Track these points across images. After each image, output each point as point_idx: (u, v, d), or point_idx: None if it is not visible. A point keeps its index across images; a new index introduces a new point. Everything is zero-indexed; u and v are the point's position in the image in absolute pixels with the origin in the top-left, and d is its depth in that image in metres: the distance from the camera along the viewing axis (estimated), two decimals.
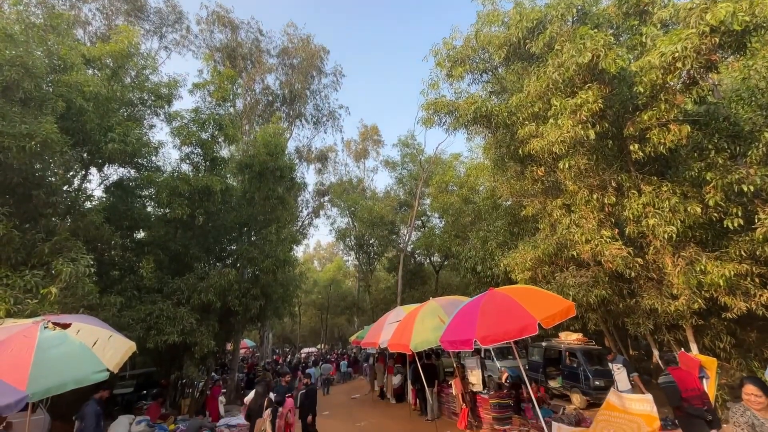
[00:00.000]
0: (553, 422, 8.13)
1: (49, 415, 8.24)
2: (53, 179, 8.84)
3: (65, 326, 5.89)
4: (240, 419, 11.40)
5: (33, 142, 7.09)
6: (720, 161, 7.12)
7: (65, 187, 9.75)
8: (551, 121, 7.85)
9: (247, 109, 23.28)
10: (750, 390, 3.11)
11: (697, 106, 7.69)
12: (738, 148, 7.18)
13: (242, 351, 23.49)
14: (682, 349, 7.84)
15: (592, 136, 7.22)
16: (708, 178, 7.10)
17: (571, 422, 8.46)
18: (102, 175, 12.23)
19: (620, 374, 7.71)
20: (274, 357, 30.42)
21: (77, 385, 5.24)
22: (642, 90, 6.87)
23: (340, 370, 21.69)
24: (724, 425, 5.79)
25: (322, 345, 42.04)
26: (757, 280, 7.09)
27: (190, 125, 12.79)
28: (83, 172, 10.84)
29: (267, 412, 6.13)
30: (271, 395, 6.87)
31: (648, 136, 7.14)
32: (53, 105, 8.22)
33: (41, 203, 8.19)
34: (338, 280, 41.93)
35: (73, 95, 8.82)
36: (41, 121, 7.46)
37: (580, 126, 7.20)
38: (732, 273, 6.73)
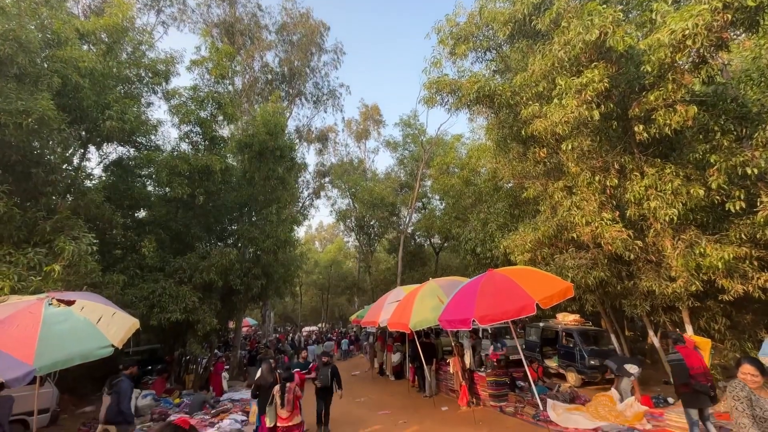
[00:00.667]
0: (548, 399, 8.36)
1: (57, 388, 8.48)
2: (52, 158, 8.79)
3: (69, 303, 5.97)
4: (243, 394, 11.74)
5: (30, 119, 7.02)
6: (725, 143, 7.03)
7: (64, 166, 9.71)
8: (555, 101, 7.70)
9: (246, 87, 22.90)
10: (747, 370, 3.20)
11: (705, 87, 7.53)
12: (744, 130, 7.07)
13: (244, 329, 23.88)
14: (677, 330, 7.97)
15: (597, 116, 7.11)
16: (712, 160, 7.02)
17: (566, 399, 8.70)
18: (101, 153, 12.18)
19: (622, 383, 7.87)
20: (277, 336, 31.04)
21: (83, 360, 5.36)
22: (650, 69, 6.71)
23: (341, 348, 22.17)
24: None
25: (323, 324, 42.76)
26: (755, 263, 7.12)
27: (189, 103, 12.62)
28: (82, 151, 10.77)
29: (276, 387, 6.35)
30: (279, 371, 7.08)
31: (653, 117, 7.02)
32: (49, 81, 8.09)
33: (41, 181, 8.17)
34: (339, 260, 42.25)
35: (68, 71, 8.67)
36: (37, 97, 7.36)
37: (584, 106, 7.08)
38: (731, 256, 6.75)
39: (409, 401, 10.21)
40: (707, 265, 6.98)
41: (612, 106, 7.52)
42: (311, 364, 9.70)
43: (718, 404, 6.00)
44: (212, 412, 9.37)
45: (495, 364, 9.36)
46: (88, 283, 7.91)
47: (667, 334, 6.62)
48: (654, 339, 9.71)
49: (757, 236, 6.92)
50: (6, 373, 4.30)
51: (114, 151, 12.63)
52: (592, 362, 10.32)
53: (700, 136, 7.55)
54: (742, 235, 7.06)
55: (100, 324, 5.98)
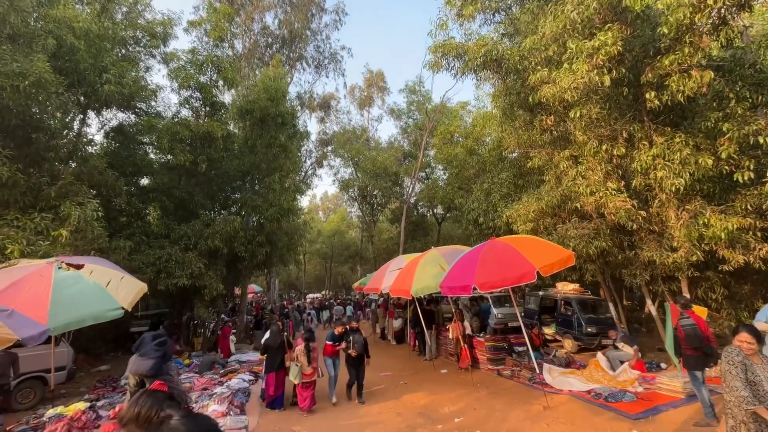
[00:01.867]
0: (544, 363, 8.63)
1: (72, 348, 8.84)
2: (52, 122, 8.70)
3: (78, 267, 6.11)
4: (250, 356, 12.21)
5: (26, 82, 6.89)
6: (739, 111, 6.83)
7: (65, 132, 9.63)
8: (565, 65, 7.43)
9: (246, 52, 22.21)
10: (744, 337, 3.33)
11: (723, 51, 7.21)
12: (760, 98, 6.85)
13: (250, 296, 24.47)
14: (675, 298, 8.07)
15: (607, 82, 6.87)
16: (724, 129, 6.84)
17: (561, 364, 8.98)
18: (101, 119, 12.03)
19: (627, 348, 8.02)
20: (284, 302, 31.99)
21: (94, 321, 5.55)
22: (666, 31, 6.41)
23: (346, 314, 22.93)
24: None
25: (326, 291, 43.74)
26: (758, 234, 7.11)
27: (188, 67, 12.30)
28: (81, 116, 10.64)
29: (301, 347, 6.98)
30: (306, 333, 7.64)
31: (666, 83, 6.78)
32: (43, 43, 7.87)
33: (42, 147, 8.14)
34: (342, 230, 42.59)
35: (62, 32, 8.41)
36: (33, 59, 7.19)
37: (595, 71, 6.83)
38: (735, 227, 6.73)
39: (409, 364, 10.58)
40: (710, 236, 6.97)
41: (624, 71, 7.25)
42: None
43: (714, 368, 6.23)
44: (221, 371, 9.78)
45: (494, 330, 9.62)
46: (96, 249, 8.04)
47: (679, 299, 6.76)
48: (651, 308, 9.88)
49: (763, 207, 6.86)
50: (22, 332, 4.47)
51: (114, 117, 12.49)
52: (589, 329, 10.57)
53: (714, 104, 7.32)
54: (748, 206, 7.00)
55: (110, 287, 6.15)
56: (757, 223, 6.95)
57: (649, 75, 7.03)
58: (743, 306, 9.00)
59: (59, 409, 6.33)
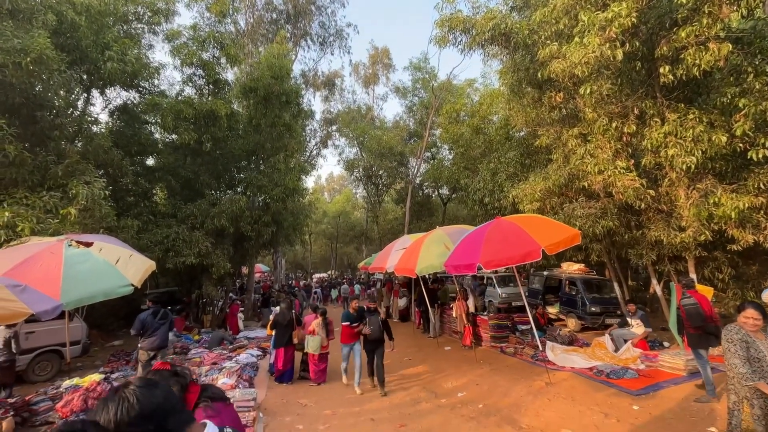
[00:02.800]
0: (547, 341, 8.73)
1: (86, 324, 9.11)
2: (56, 101, 8.68)
3: (88, 245, 6.20)
4: (258, 332, 12.49)
5: (28, 59, 6.82)
6: (757, 86, 6.57)
7: (70, 111, 9.61)
8: (576, 39, 7.18)
9: (250, 28, 21.75)
10: (750, 313, 3.36)
11: (744, 22, 6.89)
12: None
13: (257, 275, 24.86)
14: (680, 278, 8.03)
15: (620, 56, 6.63)
16: (741, 105, 6.61)
17: (564, 342, 9.07)
18: (105, 98, 11.98)
19: (638, 328, 8.00)
20: (293, 282, 32.67)
21: (105, 297, 5.67)
22: (684, 1, 6.14)
23: (354, 293, 23.73)
24: None
25: (332, 271, 44.24)
26: None
27: (190, 44, 12.09)
28: (85, 95, 10.60)
29: (319, 320, 7.35)
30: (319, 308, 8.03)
31: (682, 56, 6.54)
32: (44, 18, 7.77)
33: (47, 125, 8.14)
34: (347, 211, 42.67)
35: (62, 7, 8.29)
36: (33, 35, 7.10)
37: (607, 45, 6.59)
38: (746, 206, 6.61)
39: (414, 341, 10.77)
40: (720, 215, 6.86)
41: (638, 44, 6.99)
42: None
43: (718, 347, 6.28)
44: (230, 347, 10.04)
45: (498, 308, 9.69)
46: (104, 227, 8.14)
47: (681, 279, 6.75)
48: (656, 288, 9.87)
49: None
50: (35, 306, 4.58)
51: (118, 96, 12.43)
52: (593, 309, 10.61)
53: (731, 79, 7.05)
54: (761, 185, 6.84)
55: (119, 264, 6.25)
56: None
57: (664, 48, 6.77)
58: (750, 286, 8.95)
59: (75, 381, 6.57)
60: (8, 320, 4.54)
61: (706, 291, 6.88)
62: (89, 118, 10.28)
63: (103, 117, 12.85)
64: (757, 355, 3.31)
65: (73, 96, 9.91)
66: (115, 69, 9.24)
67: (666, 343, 8.47)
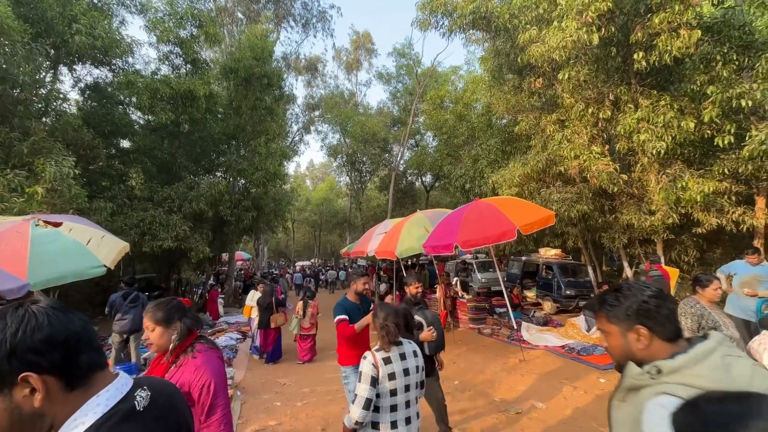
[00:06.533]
0: (522, 322, 9.00)
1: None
2: (21, 76, 8.23)
3: (56, 225, 5.97)
4: (237, 318, 12.42)
5: None
6: (725, 74, 6.81)
7: (36, 86, 9.15)
8: (555, 23, 7.25)
9: (231, 4, 21.04)
10: (717, 284, 3.52)
11: (714, 9, 7.09)
12: (747, 60, 6.82)
13: (238, 263, 24.62)
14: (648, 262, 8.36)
15: (596, 41, 6.75)
16: (709, 92, 6.84)
17: (539, 323, 9.38)
18: (74, 75, 11.45)
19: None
20: (282, 270, 32.80)
21: (76, 278, 5.48)
22: None
23: (339, 278, 24.83)
24: None
25: (316, 260, 44.12)
26: (733, 198, 7.31)
27: (166, 19, 11.62)
28: (53, 71, 10.10)
29: (300, 303, 7.83)
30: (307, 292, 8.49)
31: (655, 42, 6.70)
32: None
33: (10, 100, 7.76)
34: (330, 198, 42.41)
35: None
36: None
37: (584, 29, 6.68)
38: (711, 190, 6.89)
39: None
40: (687, 199, 7.14)
41: (613, 30, 7.12)
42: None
43: None
44: (209, 331, 9.97)
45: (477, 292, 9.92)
46: (75, 208, 7.86)
47: (648, 255, 7.10)
48: (628, 271, 10.24)
49: (740, 170, 7.01)
50: (0, 285, 4.43)
51: (89, 73, 11.87)
52: (568, 292, 10.96)
53: (701, 66, 7.28)
54: (726, 170, 7.14)
55: (90, 245, 6.05)
56: (733, 187, 7.14)
57: (639, 34, 6.91)
58: (714, 269, 9.36)
59: None
60: None
61: (673, 272, 7.21)
62: (58, 96, 9.81)
63: (74, 95, 12.28)
64: (713, 325, 3.48)
65: (41, 72, 9.42)
66: (84, 43, 8.81)
67: None
